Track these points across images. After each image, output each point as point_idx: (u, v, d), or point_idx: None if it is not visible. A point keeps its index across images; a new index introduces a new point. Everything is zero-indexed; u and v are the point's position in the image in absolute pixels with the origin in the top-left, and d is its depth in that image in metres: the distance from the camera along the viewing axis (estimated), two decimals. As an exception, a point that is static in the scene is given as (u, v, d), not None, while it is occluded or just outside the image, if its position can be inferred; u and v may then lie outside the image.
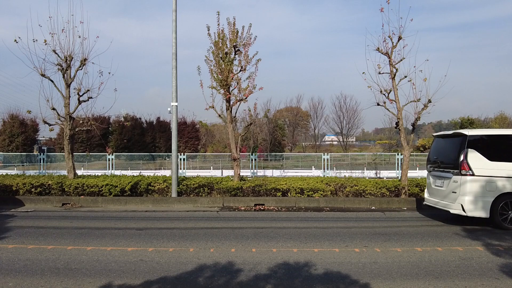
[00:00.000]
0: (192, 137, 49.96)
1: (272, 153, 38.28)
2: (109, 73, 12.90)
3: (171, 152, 13.19)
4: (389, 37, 12.45)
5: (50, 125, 13.05)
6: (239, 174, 13.08)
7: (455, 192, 8.72)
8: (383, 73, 12.76)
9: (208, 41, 12.62)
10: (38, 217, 9.96)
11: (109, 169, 21.02)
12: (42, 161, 22.38)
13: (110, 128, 46.55)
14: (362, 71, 12.74)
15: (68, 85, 12.77)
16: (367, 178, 15.14)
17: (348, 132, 64.97)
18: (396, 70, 12.51)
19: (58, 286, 5.02)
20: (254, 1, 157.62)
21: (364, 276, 5.38)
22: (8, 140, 42.34)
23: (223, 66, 12.42)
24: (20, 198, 12.05)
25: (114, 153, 22.48)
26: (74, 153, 13.58)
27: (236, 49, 12.52)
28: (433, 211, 11.17)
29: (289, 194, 12.24)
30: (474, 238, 7.68)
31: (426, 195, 10.26)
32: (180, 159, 20.55)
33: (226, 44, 12.48)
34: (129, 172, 20.44)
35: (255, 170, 21.10)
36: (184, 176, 15.09)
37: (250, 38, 12.47)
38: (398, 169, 19.72)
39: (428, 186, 10.23)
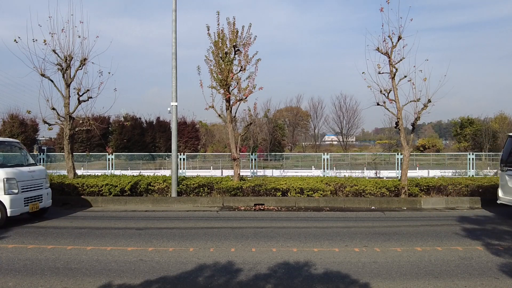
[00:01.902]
0: (192, 137, 49.91)
1: (272, 153, 38.26)
2: (109, 73, 12.91)
3: (171, 152, 13.20)
4: (389, 37, 12.47)
5: (50, 125, 13.04)
6: (239, 174, 13.08)
7: None
8: (383, 73, 12.77)
9: (208, 41, 12.63)
10: (38, 217, 9.95)
11: (109, 169, 21.03)
12: (42, 161, 22.38)
13: (110, 128, 46.49)
14: (362, 71, 12.74)
15: (68, 85, 12.76)
16: (367, 178, 15.14)
17: (348, 132, 64.91)
18: (396, 70, 12.51)
19: (58, 285, 5.02)
20: (254, 1, 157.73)
21: (364, 275, 5.38)
22: (8, 140, 42.22)
23: (223, 66, 12.42)
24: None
25: (114, 153, 22.48)
26: (74, 153, 13.58)
27: (236, 49, 12.53)
28: (433, 211, 11.19)
29: (289, 194, 12.24)
30: (474, 237, 7.69)
31: (500, 193, 10.32)
32: (180, 159, 20.56)
33: (226, 44, 12.48)
34: (129, 172, 20.42)
35: (255, 170, 21.10)
36: (184, 176, 15.09)
37: (250, 38, 12.48)
38: (398, 169, 19.74)
39: (503, 185, 10.28)
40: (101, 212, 10.94)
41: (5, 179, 8.61)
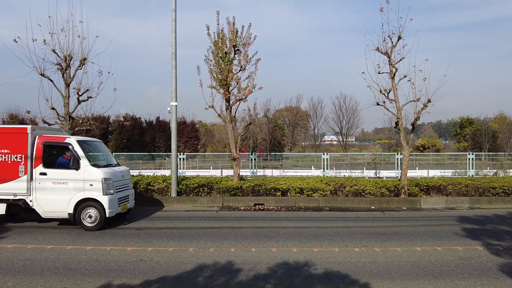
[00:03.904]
0: (192, 136, 49.92)
1: (272, 153, 38.23)
2: (109, 72, 12.87)
3: (170, 152, 13.19)
4: (388, 36, 12.47)
5: (49, 124, 13.02)
6: (238, 173, 13.08)
7: None
8: (382, 72, 12.78)
9: (208, 40, 12.63)
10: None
11: (108, 169, 20.95)
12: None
13: (109, 128, 46.43)
14: (362, 71, 12.75)
15: (67, 85, 12.74)
16: (366, 178, 15.13)
17: (348, 132, 64.87)
18: (396, 69, 12.51)
19: (57, 285, 5.01)
20: (254, 1, 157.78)
21: (363, 275, 5.38)
22: (7, 139, 42.13)
23: (222, 65, 12.41)
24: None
25: (113, 153, 22.43)
26: (73, 153, 13.53)
27: (236, 48, 12.52)
28: (433, 211, 11.18)
29: (288, 194, 12.24)
30: (474, 237, 7.68)
31: None
32: (180, 158, 20.54)
33: (226, 44, 12.48)
34: (128, 172, 20.38)
35: (255, 170, 21.08)
36: (183, 176, 15.08)
37: (250, 38, 12.48)
38: (397, 169, 19.72)
39: None
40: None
41: (103, 179, 8.45)
